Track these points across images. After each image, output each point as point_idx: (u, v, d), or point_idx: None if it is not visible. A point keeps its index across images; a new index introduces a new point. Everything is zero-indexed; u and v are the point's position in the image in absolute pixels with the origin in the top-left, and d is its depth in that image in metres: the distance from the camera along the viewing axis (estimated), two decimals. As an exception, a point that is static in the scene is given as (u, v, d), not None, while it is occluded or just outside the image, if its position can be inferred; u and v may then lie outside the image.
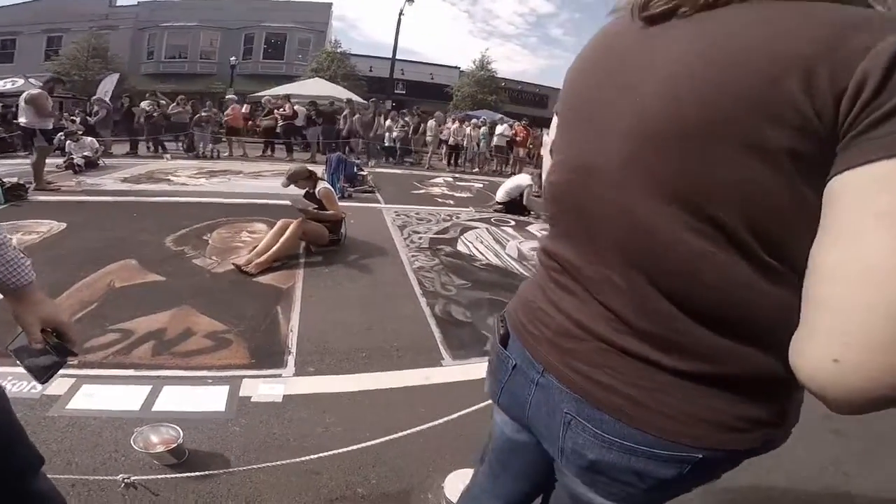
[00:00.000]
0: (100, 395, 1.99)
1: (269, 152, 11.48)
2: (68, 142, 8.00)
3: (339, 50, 22.96)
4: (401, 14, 18.15)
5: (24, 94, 6.14)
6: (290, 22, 24.38)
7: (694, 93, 0.46)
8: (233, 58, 20.69)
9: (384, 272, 3.83)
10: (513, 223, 6.18)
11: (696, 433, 0.51)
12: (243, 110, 11.90)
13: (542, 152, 0.82)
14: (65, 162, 7.68)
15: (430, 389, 2.29)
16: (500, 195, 6.93)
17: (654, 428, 0.52)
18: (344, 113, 12.06)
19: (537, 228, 5.99)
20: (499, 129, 12.92)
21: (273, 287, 3.35)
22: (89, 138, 8.48)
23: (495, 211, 6.81)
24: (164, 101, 11.58)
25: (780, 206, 0.43)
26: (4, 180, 5.26)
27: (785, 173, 0.42)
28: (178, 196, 6.04)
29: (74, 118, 11.14)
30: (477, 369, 2.53)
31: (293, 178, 4.08)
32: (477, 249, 4.72)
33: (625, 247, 0.53)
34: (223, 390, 2.11)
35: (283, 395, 2.10)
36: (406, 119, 12.31)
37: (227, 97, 12.44)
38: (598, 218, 0.56)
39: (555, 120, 0.71)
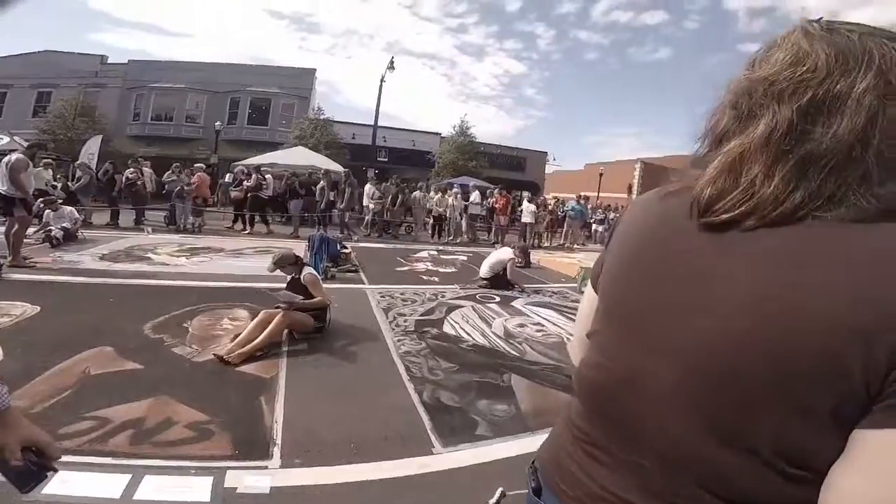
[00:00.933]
0: (76, 482, 1.93)
1: (241, 226, 11.32)
2: (47, 211, 7.90)
3: (321, 117, 23.14)
4: (382, 81, 18.44)
5: (4, 160, 5.97)
6: (275, 87, 24.60)
7: (761, 343, 0.48)
8: (217, 122, 20.22)
9: (370, 359, 3.79)
10: (497, 299, 6.25)
11: None
12: (227, 179, 11.93)
13: (575, 339, 0.83)
14: (42, 233, 7.55)
15: (421, 480, 2.24)
16: (484, 270, 7.04)
17: None
18: (320, 185, 12.12)
19: (522, 304, 6.07)
20: (471, 197, 13.21)
21: (256, 377, 3.27)
22: (69, 208, 8.40)
23: (480, 287, 6.89)
24: (147, 170, 11.45)
25: (811, 440, 0.47)
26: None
27: (821, 426, 0.46)
28: (158, 279, 5.92)
29: (56, 184, 11.00)
30: (467, 456, 2.51)
31: (279, 264, 4.09)
32: (463, 330, 4.74)
33: (664, 457, 0.56)
34: (207, 481, 2.05)
35: (271, 487, 2.05)
36: (381, 191, 12.40)
37: (206, 164, 12.50)
38: (637, 428, 0.58)
39: (589, 296, 0.75)
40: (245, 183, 11.57)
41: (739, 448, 0.50)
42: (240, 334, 3.71)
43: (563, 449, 0.69)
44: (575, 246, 14.25)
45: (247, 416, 2.73)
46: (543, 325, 5.15)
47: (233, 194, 11.63)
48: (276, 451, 2.37)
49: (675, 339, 0.54)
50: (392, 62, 18.29)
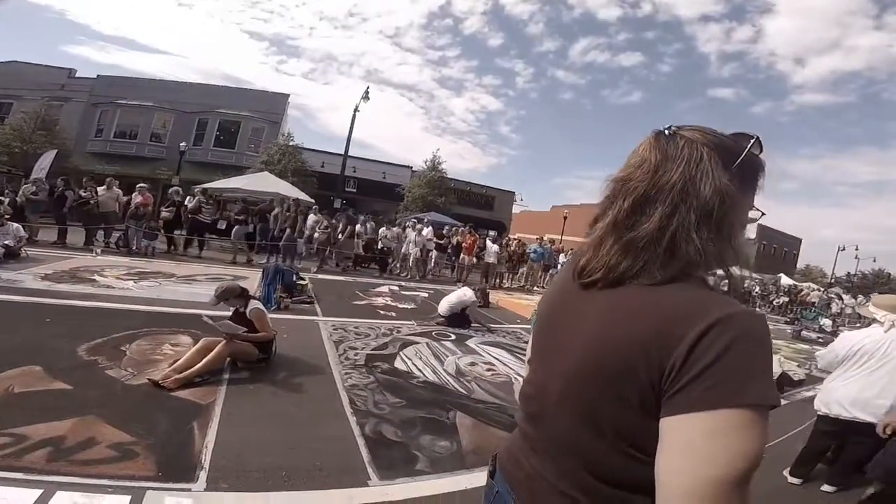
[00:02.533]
0: None
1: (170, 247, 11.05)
2: (-10, 227, 7.54)
3: (291, 143, 22.65)
4: (356, 110, 18.00)
5: None
6: (246, 110, 24.14)
7: (595, 361, 0.74)
8: (182, 143, 19.50)
9: (314, 390, 3.73)
10: (453, 337, 6.31)
11: None
12: (192, 204, 11.65)
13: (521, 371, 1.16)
14: (-21, 249, 7.16)
15: None
16: (443, 308, 7.08)
17: None
18: (274, 212, 11.90)
19: (476, 342, 6.15)
20: (424, 231, 13.00)
21: (191, 402, 3.18)
22: (14, 224, 8.04)
23: (437, 324, 6.94)
24: (116, 189, 10.96)
25: (637, 427, 0.69)
26: None
27: (638, 412, 0.69)
28: (100, 301, 5.68)
29: (2, 199, 10.49)
30: (403, 490, 2.51)
31: (223, 297, 4.01)
32: (415, 366, 4.76)
33: (561, 442, 0.81)
34: (124, 500, 1.99)
35: None
36: (331, 221, 12.11)
37: (171, 188, 12.17)
38: (547, 422, 0.85)
39: (531, 342, 1.02)
40: (186, 204, 11.37)
41: (599, 435, 0.73)
42: (178, 360, 3.63)
43: (514, 442, 0.94)
44: (535, 287, 14.58)
45: (176, 439, 2.65)
46: (494, 365, 5.22)
47: (163, 214, 11.25)
48: (203, 475, 2.31)
49: (559, 363, 0.82)
50: (367, 92, 18.04)
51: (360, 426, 3.20)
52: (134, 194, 10.60)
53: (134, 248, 10.22)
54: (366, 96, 17.98)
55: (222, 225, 12.01)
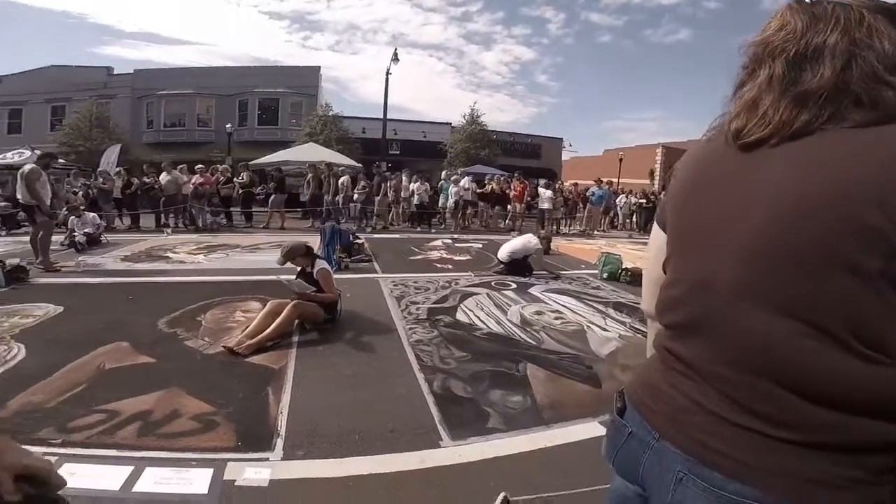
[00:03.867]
0: (81, 474, 1.95)
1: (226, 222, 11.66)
2: (71, 218, 8.13)
3: (330, 113, 22.85)
4: (388, 73, 18.16)
5: (19, 171, 6.35)
6: (282, 87, 24.62)
7: (803, 219, 0.58)
8: (228, 125, 20.62)
9: (380, 348, 3.72)
10: (514, 286, 6.13)
11: (803, 491, 0.58)
12: (242, 179, 12.08)
13: (646, 266, 0.94)
14: (66, 239, 7.77)
15: (425, 475, 2.15)
16: (504, 254, 6.83)
17: (765, 485, 0.59)
18: (307, 177, 12.17)
19: (539, 290, 5.93)
20: (462, 182, 12.72)
21: (264, 368, 3.25)
22: (91, 214, 8.65)
23: (496, 273, 6.78)
24: (176, 172, 11.54)
25: (874, 312, 0.54)
26: (7, 262, 5.29)
27: (876, 288, 0.53)
28: (175, 275, 6.06)
29: (77, 190, 11.33)
30: (477, 450, 2.40)
31: (289, 256, 4.05)
32: (477, 317, 4.64)
33: (742, 353, 0.63)
34: (207, 473, 2.02)
35: (270, 480, 2.01)
36: (364, 182, 12.35)
37: (221, 167, 12.66)
38: (715, 329, 0.67)
39: (658, 235, 0.85)
40: (235, 179, 11.90)
41: (811, 327, 0.56)
42: (250, 325, 3.71)
43: (654, 371, 0.78)
44: (595, 232, 13.95)
45: (253, 407, 2.70)
46: (562, 313, 5.00)
47: (223, 192, 11.81)
48: (279, 443, 2.33)
49: (734, 239, 0.65)
50: (396, 54, 18.07)
51: (429, 383, 3.13)
52: (195, 176, 11.11)
53: (200, 224, 10.82)
54: (395, 58, 18.11)
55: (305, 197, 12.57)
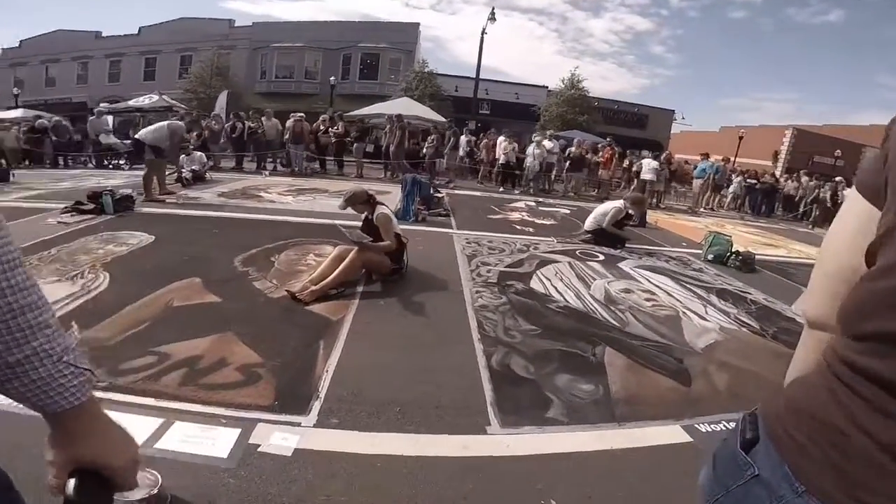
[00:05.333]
0: None
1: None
2: (182, 156, 8.78)
3: (426, 70, 23.16)
4: (483, 32, 17.76)
5: (167, 122, 7.27)
6: (383, 42, 25.21)
7: None
8: (332, 78, 21.79)
9: (442, 309, 3.45)
10: (601, 258, 5.52)
11: None
12: (337, 129, 12.31)
13: (827, 254, 0.66)
14: (175, 174, 8.43)
15: (463, 464, 1.86)
16: (589, 223, 6.29)
17: None
18: (385, 129, 12.09)
19: (631, 266, 5.28)
20: (547, 144, 11.85)
21: (322, 318, 3.13)
22: (199, 153, 9.29)
23: (582, 242, 6.18)
24: (263, 119, 12.34)
25: None
26: (118, 192, 5.77)
27: None
28: (262, 213, 6.32)
29: (191, 133, 12.36)
30: (530, 442, 2.06)
31: (350, 202, 3.88)
32: (554, 287, 4.19)
33: None
34: (233, 434, 1.88)
35: (294, 450, 1.82)
36: (432, 137, 12.01)
37: (322, 117, 13.05)
38: None
39: (860, 207, 0.61)
40: (331, 130, 12.06)
41: None
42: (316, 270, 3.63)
43: (819, 397, 0.56)
44: (702, 209, 12.45)
45: (300, 361, 2.56)
46: (655, 294, 4.36)
47: (322, 140, 12.02)
48: (316, 406, 2.15)
49: None
50: (493, 13, 17.63)
51: (487, 356, 2.80)
52: (292, 122, 11.52)
53: (295, 168, 11.29)
54: (492, 17, 17.78)
55: (370, 147, 13.07)
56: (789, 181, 14.33)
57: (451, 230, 6.14)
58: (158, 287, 3.38)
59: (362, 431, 2.00)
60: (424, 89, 21.63)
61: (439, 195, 7.39)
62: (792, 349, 0.69)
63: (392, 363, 2.63)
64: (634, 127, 26.85)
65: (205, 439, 1.83)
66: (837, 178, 13.14)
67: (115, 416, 1.80)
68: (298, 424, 2.00)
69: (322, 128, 12.10)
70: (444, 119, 14.76)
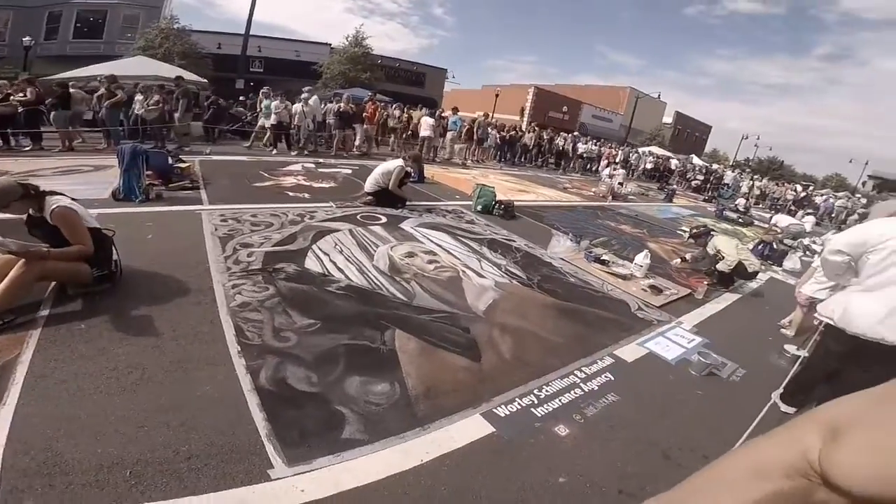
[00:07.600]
0: None
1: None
2: None
3: (175, 26, 21.19)
4: None
5: None
6: None
7: None
8: (27, 38, 18.59)
9: (182, 320, 2.56)
10: (383, 220, 5.24)
11: None
12: (25, 96, 8.67)
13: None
14: None
15: None
16: (369, 184, 6.00)
17: None
18: (99, 92, 9.44)
19: (412, 225, 5.12)
20: (311, 101, 11.10)
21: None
22: None
23: (364, 203, 5.81)
24: None
25: None
26: None
27: None
28: None
29: None
30: (325, 480, 1.63)
31: None
32: (334, 263, 3.68)
33: None
34: None
35: None
36: (163, 96, 9.70)
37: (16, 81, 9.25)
38: None
39: None
40: (15, 97, 8.59)
41: None
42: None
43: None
44: (469, 162, 13.53)
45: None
46: (437, 256, 4.27)
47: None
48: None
49: None
50: None
51: (252, 373, 2.17)
52: None
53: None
54: None
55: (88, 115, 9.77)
56: (528, 133, 16.86)
57: (199, 207, 4.84)
58: None
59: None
60: (171, 47, 19.73)
61: (183, 164, 5.85)
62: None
63: (106, 411, 1.80)
64: (414, 85, 28.67)
65: None
66: (575, 133, 16.48)
67: None
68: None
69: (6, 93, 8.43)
70: (201, 79, 13.06)
